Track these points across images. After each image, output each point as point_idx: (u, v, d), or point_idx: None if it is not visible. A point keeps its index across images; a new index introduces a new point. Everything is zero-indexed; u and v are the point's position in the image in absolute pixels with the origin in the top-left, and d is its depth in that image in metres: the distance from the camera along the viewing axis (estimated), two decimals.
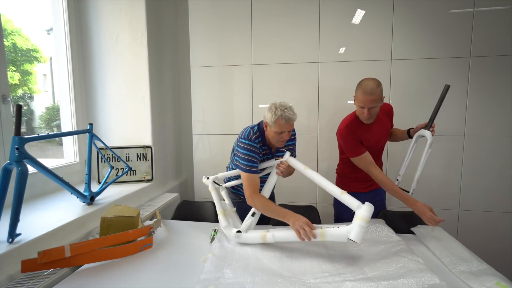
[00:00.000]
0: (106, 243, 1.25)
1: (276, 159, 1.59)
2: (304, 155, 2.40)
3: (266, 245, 1.38)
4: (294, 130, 1.66)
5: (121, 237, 1.30)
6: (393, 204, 2.32)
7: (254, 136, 1.52)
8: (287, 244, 1.38)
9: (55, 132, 1.78)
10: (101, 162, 2.07)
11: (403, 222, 1.65)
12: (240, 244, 1.39)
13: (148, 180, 2.20)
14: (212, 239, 1.46)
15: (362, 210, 1.18)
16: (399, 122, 2.27)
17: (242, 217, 1.57)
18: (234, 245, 1.38)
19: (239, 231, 1.39)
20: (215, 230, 1.54)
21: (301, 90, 2.40)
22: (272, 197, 1.90)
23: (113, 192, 1.88)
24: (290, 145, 1.68)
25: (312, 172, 1.44)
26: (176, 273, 1.19)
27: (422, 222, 1.66)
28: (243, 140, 1.52)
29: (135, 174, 2.19)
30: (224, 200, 1.70)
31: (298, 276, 1.09)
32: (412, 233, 1.56)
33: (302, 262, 1.23)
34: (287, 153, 1.56)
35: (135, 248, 1.33)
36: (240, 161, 1.51)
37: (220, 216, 1.51)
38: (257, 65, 2.43)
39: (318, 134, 2.40)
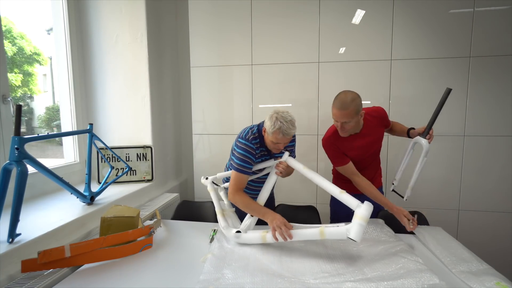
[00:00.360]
0: (106, 243, 1.25)
1: (275, 159, 1.59)
2: (304, 155, 2.41)
3: (265, 245, 1.38)
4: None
5: (121, 237, 1.30)
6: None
7: (252, 137, 1.51)
8: (286, 244, 1.37)
9: (55, 132, 1.78)
10: (101, 162, 2.07)
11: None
12: (239, 244, 1.39)
13: (148, 180, 2.20)
14: (212, 239, 1.46)
15: (362, 209, 1.19)
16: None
17: (241, 217, 1.58)
18: (234, 246, 1.38)
19: (238, 231, 1.39)
20: (215, 230, 1.54)
21: (301, 90, 2.40)
22: (271, 197, 1.90)
23: (113, 192, 1.88)
24: (290, 146, 1.68)
25: (311, 172, 1.44)
26: (176, 273, 1.19)
27: (422, 223, 1.67)
28: (240, 140, 1.52)
29: (135, 174, 2.19)
30: (223, 200, 1.70)
31: (297, 277, 1.09)
32: (412, 233, 1.55)
33: (302, 262, 1.22)
34: (286, 153, 1.57)
35: (135, 248, 1.33)
36: (235, 159, 1.52)
37: (219, 217, 1.51)
38: (257, 65, 2.43)
39: (318, 134, 2.40)
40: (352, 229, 1.16)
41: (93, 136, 1.71)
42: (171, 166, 2.59)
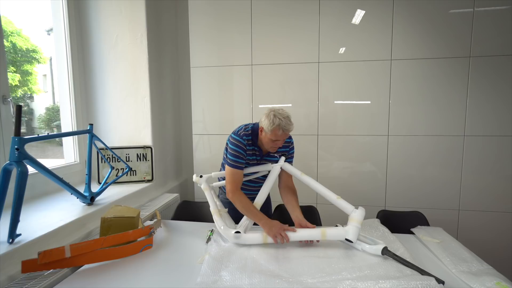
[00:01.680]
0: (106, 244, 1.25)
1: (272, 164, 1.59)
2: (304, 155, 2.41)
3: (262, 245, 1.38)
4: (291, 138, 1.65)
5: (121, 237, 1.30)
6: (393, 203, 2.33)
7: (243, 133, 1.53)
8: (282, 246, 1.38)
9: (55, 133, 1.78)
10: (101, 162, 2.07)
11: (403, 222, 1.65)
12: (236, 244, 1.39)
13: (148, 181, 2.20)
14: (208, 239, 1.46)
15: (357, 214, 1.31)
16: (399, 123, 2.28)
17: (234, 217, 1.58)
18: (230, 246, 1.37)
19: (238, 232, 1.39)
20: (211, 230, 1.54)
21: (301, 90, 2.40)
22: (267, 200, 1.89)
23: (113, 193, 1.88)
24: (290, 153, 1.66)
25: (308, 178, 1.51)
26: (177, 273, 1.19)
27: (422, 223, 1.67)
28: (233, 135, 1.55)
29: (135, 175, 2.19)
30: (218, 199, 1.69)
31: (295, 277, 1.09)
32: (412, 233, 1.55)
33: (299, 262, 1.22)
34: (282, 158, 1.58)
35: (135, 249, 1.33)
36: (229, 155, 1.54)
37: (216, 217, 1.50)
38: (257, 65, 2.43)
39: (318, 134, 2.40)
40: (349, 231, 1.28)
41: (93, 137, 1.71)
42: (171, 166, 2.59)
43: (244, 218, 1.50)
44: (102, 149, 2.06)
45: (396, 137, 2.29)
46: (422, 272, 1.10)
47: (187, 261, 1.28)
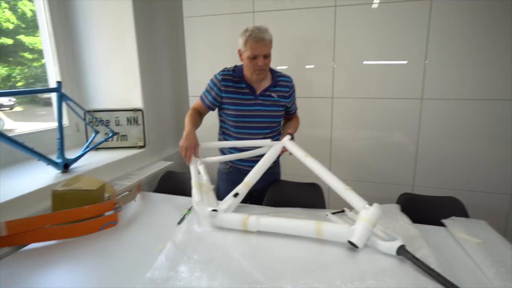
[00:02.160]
0: (55, 221, 1.07)
1: (272, 140, 1.45)
2: (317, 120, 2.03)
3: (241, 233, 1.09)
4: (290, 78, 1.51)
5: (75, 213, 1.11)
6: (422, 183, 1.93)
7: (223, 69, 1.48)
8: (267, 235, 1.08)
9: (15, 90, 1.58)
10: (91, 126, 1.89)
11: (432, 211, 1.28)
12: (212, 229, 1.12)
13: (141, 147, 2.01)
14: (182, 219, 1.22)
15: (369, 213, 0.98)
16: (437, 83, 1.79)
17: (229, 190, 1.32)
18: (204, 231, 1.11)
19: (215, 210, 1.12)
20: (190, 208, 1.30)
21: (313, 44, 1.95)
22: (276, 172, 1.68)
23: (98, 159, 1.71)
24: (285, 91, 1.49)
25: (313, 161, 1.25)
26: (135, 259, 0.99)
27: (460, 213, 1.29)
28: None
29: (126, 140, 2.01)
30: (201, 174, 1.41)
31: (272, 281, 0.82)
32: (442, 225, 1.19)
33: (283, 260, 0.93)
34: (287, 137, 1.40)
35: (93, 227, 1.14)
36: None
37: (195, 190, 1.22)
38: (259, 12, 1.99)
39: (333, 96, 1.98)
40: (356, 232, 0.96)
41: (62, 96, 1.49)
42: (169, 131, 2.37)
43: (228, 197, 1.26)
44: (90, 111, 1.87)
45: (432, 100, 1.82)
46: (451, 286, 0.78)
47: (153, 245, 1.06)
